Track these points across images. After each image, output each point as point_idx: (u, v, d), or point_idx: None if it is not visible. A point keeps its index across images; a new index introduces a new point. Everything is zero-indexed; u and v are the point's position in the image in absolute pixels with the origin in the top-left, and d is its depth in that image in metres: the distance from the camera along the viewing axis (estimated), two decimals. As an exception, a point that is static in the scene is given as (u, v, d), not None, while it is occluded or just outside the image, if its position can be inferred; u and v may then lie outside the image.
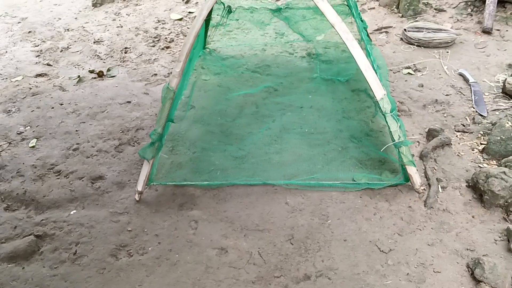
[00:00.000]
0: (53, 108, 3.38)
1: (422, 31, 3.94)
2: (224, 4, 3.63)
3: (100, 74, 3.77)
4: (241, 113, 3.26)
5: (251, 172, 2.73)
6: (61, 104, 3.41)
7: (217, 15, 3.69)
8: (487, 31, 4.04)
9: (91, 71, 3.83)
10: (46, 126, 3.19)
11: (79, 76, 3.74)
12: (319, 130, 3.04)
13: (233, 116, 3.23)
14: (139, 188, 2.56)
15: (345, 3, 3.42)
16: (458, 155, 2.82)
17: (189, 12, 4.73)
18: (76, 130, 3.14)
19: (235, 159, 2.84)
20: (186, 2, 4.93)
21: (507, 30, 4.08)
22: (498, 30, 4.09)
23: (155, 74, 3.79)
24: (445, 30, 3.95)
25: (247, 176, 2.69)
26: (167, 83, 2.50)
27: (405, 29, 4.00)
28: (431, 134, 2.93)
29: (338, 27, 2.43)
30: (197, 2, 4.95)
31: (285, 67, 3.80)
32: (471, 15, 4.37)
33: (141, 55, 4.08)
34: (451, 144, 2.87)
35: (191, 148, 2.94)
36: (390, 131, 2.48)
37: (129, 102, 3.43)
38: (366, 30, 3.20)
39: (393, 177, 2.64)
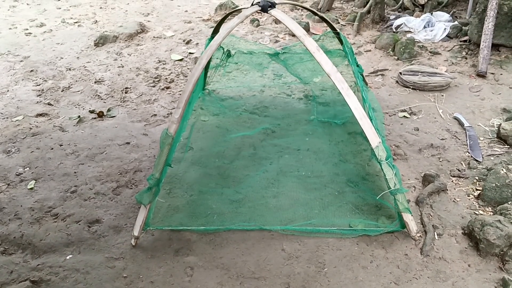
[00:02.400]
0: (52, 149, 3.41)
1: (418, 75, 4.02)
2: (223, 49, 3.72)
3: (100, 115, 3.83)
4: (238, 155, 3.29)
5: (248, 216, 2.73)
6: (61, 145, 3.45)
7: (217, 58, 3.78)
8: (481, 75, 4.12)
9: (91, 111, 3.89)
10: (45, 168, 3.22)
11: (79, 116, 3.79)
12: (316, 173, 3.06)
13: (231, 158, 3.26)
14: (136, 233, 2.56)
15: (341, 49, 3.51)
16: (454, 201, 2.83)
17: (190, 53, 4.84)
18: (75, 172, 3.17)
19: (232, 202, 2.85)
20: (187, 43, 5.04)
21: (501, 74, 4.16)
22: (492, 73, 4.18)
23: (155, 115, 3.84)
24: (440, 73, 4.03)
25: (244, 221, 2.69)
26: (166, 128, 2.54)
27: (400, 72, 4.08)
28: (426, 179, 2.96)
29: (334, 77, 2.49)
30: (197, 43, 5.07)
31: (282, 108, 3.86)
32: (466, 58, 4.47)
33: (141, 95, 4.15)
34: (447, 190, 2.89)
35: (188, 191, 2.96)
36: (386, 178, 2.50)
37: (128, 143, 3.46)
38: (362, 75, 3.27)
39: (390, 223, 2.65)
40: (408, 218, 2.51)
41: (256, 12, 2.75)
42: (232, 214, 2.76)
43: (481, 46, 4.20)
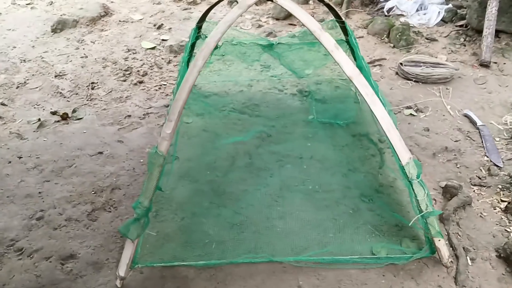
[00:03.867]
0: (10, 162, 2.87)
1: (420, 66, 3.68)
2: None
3: (64, 117, 3.28)
4: (232, 165, 2.86)
5: (252, 244, 2.33)
6: (20, 157, 2.90)
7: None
8: (485, 65, 3.83)
9: (54, 113, 3.33)
10: (2, 187, 2.68)
11: (39, 120, 3.23)
12: (325, 187, 2.68)
13: (223, 169, 2.83)
14: (121, 273, 2.11)
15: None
16: (481, 216, 2.53)
17: (162, 40, 4.29)
18: (40, 192, 2.65)
19: (232, 226, 2.44)
20: (158, 28, 4.49)
21: (504, 63, 3.89)
22: (495, 63, 3.90)
23: (129, 116, 3.33)
24: (442, 64, 3.70)
25: (249, 250, 2.29)
26: (155, 146, 2.08)
27: (401, 63, 3.73)
28: (448, 191, 2.64)
29: (357, 81, 2.10)
30: (170, 28, 4.52)
31: (275, 106, 3.43)
32: (465, 45, 4.17)
33: (110, 91, 3.61)
34: (472, 203, 2.59)
35: (179, 213, 2.52)
36: (417, 200, 2.15)
37: (101, 153, 2.96)
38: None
39: (415, 247, 2.32)
40: (440, 243, 2.18)
41: None
42: (234, 241, 2.35)
43: (484, 33, 3.89)
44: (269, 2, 2.30)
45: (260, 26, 4.53)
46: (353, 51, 2.92)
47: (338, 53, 2.11)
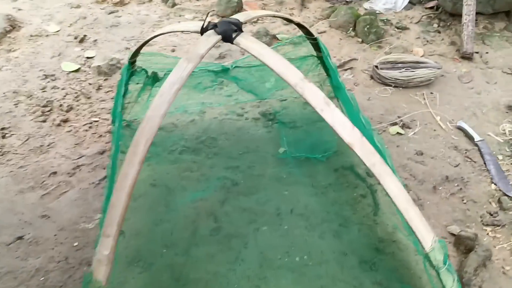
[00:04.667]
0: None
1: (398, 67, 3.15)
2: (146, 71, 2.55)
3: (-32, 186, 2.52)
4: (194, 235, 2.26)
5: None
6: None
7: (137, 83, 2.61)
8: (467, 57, 3.36)
9: (-48, 180, 2.56)
10: None
11: None
12: (315, 256, 2.14)
13: (184, 243, 2.22)
14: None
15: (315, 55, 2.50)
16: (503, 272, 2.09)
17: (87, 58, 3.50)
18: None
19: (206, 334, 1.87)
20: (81, 41, 3.67)
21: (487, 52, 3.44)
22: (477, 52, 3.43)
23: (54, 173, 2.62)
24: (423, 62, 3.19)
25: None
26: (89, 273, 1.46)
27: (376, 66, 3.18)
28: (462, 242, 2.17)
29: (359, 147, 1.54)
30: (95, 40, 3.72)
31: (237, 139, 2.82)
32: (439, 32, 3.67)
33: (27, 139, 2.85)
34: (491, 256, 2.13)
35: (133, 323, 1.91)
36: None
37: (20, 238, 2.26)
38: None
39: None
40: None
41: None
42: None
43: (463, 20, 3.40)
44: None
45: (204, 27, 3.81)
46: (327, 70, 2.36)
47: (329, 112, 1.53)
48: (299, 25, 2.19)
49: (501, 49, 3.50)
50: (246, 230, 2.27)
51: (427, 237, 1.60)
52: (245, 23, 1.79)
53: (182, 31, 2.67)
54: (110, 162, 2.02)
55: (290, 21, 2.16)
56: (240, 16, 1.81)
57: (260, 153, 2.71)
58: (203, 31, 1.72)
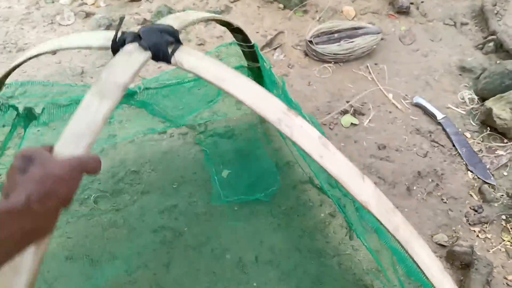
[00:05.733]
0: None
1: (335, 39, 2.68)
2: (16, 108, 1.84)
3: None
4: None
5: None
6: None
7: (3, 125, 1.91)
8: (404, 11, 2.96)
9: None
10: None
11: None
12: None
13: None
14: None
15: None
16: (507, 283, 1.84)
17: None
18: None
19: None
20: None
21: (422, 1, 3.06)
22: (412, 3, 3.04)
23: None
24: (360, 28, 2.74)
25: None
26: None
27: (310, 41, 2.68)
28: (457, 258, 1.87)
29: (374, 205, 1.10)
30: None
31: (166, 167, 2.23)
32: (366, -17, 3.21)
33: None
34: (493, 269, 1.87)
35: None
36: None
37: None
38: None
39: None
40: None
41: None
42: None
43: (394, -31, 2.95)
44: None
45: (88, 15, 3.01)
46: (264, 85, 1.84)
47: (331, 159, 1.07)
48: (238, 30, 1.61)
49: (434, -6, 3.15)
50: (205, 301, 1.80)
51: None
52: (181, 31, 1.17)
53: (77, 48, 1.97)
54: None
55: (229, 25, 1.56)
56: (172, 21, 1.17)
57: (199, 180, 2.18)
58: (115, 46, 1.06)
